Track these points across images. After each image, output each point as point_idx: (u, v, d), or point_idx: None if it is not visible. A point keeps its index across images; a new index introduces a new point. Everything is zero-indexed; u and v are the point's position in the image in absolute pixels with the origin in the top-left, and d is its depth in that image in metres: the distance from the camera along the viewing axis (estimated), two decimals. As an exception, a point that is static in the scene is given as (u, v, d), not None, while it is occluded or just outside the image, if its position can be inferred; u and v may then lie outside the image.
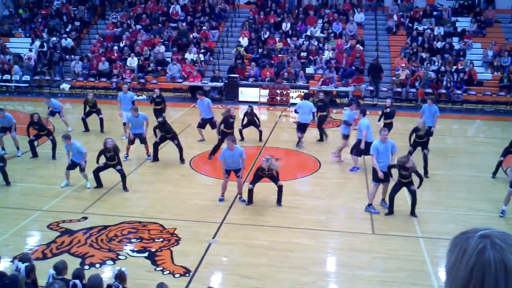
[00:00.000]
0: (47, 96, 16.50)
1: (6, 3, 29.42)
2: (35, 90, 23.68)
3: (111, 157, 11.55)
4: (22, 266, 6.13)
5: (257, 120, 15.23)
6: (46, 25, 27.18)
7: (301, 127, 14.84)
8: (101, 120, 16.49)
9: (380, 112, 15.62)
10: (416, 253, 8.84)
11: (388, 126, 13.90)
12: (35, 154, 13.92)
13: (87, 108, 16.66)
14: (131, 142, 13.76)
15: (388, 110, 14.90)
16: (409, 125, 16.36)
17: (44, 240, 9.14)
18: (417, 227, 9.86)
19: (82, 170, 11.77)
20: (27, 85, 23.71)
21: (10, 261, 7.95)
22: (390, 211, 10.33)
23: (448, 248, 1.47)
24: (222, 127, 14.07)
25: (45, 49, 25.15)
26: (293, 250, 8.85)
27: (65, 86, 23.42)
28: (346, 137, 13.73)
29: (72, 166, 11.84)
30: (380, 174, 10.27)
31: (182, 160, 13.52)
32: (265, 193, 11.29)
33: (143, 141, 13.74)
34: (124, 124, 15.43)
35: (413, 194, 10.21)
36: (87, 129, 16.55)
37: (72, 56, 25.15)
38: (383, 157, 10.46)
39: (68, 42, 25.90)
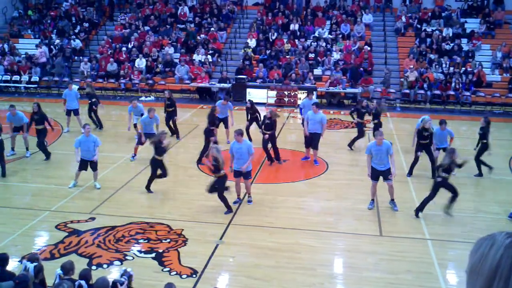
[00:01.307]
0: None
1: (16, 5, 29.66)
2: (43, 90, 23.83)
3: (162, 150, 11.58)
4: (30, 266, 6.17)
5: (258, 115, 15.27)
6: (55, 27, 27.37)
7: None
8: (94, 112, 16.75)
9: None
10: (424, 255, 8.79)
11: (376, 126, 14.37)
12: (48, 156, 13.82)
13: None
14: (140, 143, 13.78)
15: (373, 110, 14.96)
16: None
17: (52, 241, 9.19)
18: (424, 229, 9.80)
19: (94, 168, 11.72)
20: (36, 86, 23.88)
21: (19, 261, 8.01)
22: (419, 210, 10.23)
23: (471, 250, 1.48)
24: (263, 128, 14.02)
25: (54, 51, 25.32)
26: (300, 252, 8.84)
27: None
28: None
29: (83, 166, 11.76)
30: (368, 172, 10.68)
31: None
32: (272, 195, 11.32)
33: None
34: (135, 125, 15.32)
35: (453, 190, 10.01)
36: (100, 126, 16.87)
37: (81, 57, 25.30)
38: (377, 158, 10.50)
39: (76, 43, 26.06)
